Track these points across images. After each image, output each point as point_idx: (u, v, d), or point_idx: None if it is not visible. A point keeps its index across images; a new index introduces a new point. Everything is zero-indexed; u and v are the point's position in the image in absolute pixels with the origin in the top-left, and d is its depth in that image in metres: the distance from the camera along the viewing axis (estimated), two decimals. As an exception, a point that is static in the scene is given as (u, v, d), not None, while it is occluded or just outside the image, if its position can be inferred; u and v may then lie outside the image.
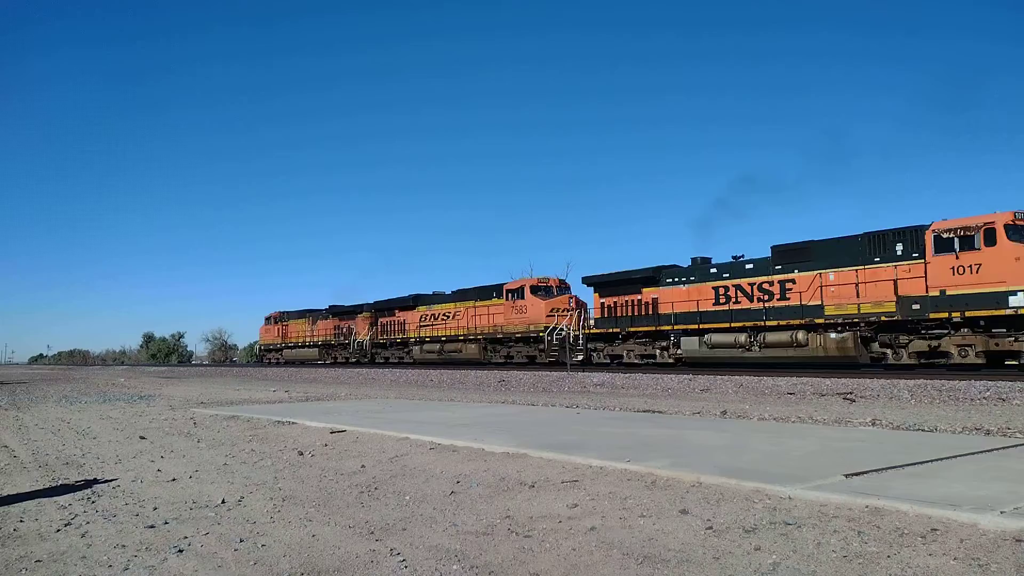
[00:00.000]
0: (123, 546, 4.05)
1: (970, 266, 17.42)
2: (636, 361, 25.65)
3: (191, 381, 28.50)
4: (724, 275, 23.31)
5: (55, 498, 5.38)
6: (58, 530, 4.43)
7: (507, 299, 31.42)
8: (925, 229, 18.54)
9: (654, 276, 25.37)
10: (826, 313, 20.18)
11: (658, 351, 24.95)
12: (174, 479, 6.06)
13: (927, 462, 5.60)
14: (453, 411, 11.56)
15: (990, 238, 17.21)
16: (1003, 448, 6.44)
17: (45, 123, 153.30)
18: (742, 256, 23.12)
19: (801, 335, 20.70)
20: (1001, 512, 3.90)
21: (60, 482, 6.04)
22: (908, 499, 4.23)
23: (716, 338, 22.80)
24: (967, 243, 17.59)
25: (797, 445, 6.77)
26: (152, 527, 4.44)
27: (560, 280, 31.56)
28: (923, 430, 8.21)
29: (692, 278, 24.26)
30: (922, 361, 18.55)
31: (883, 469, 5.31)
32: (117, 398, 17.50)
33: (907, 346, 18.89)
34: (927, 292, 18.09)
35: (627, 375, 21.46)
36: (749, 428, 8.42)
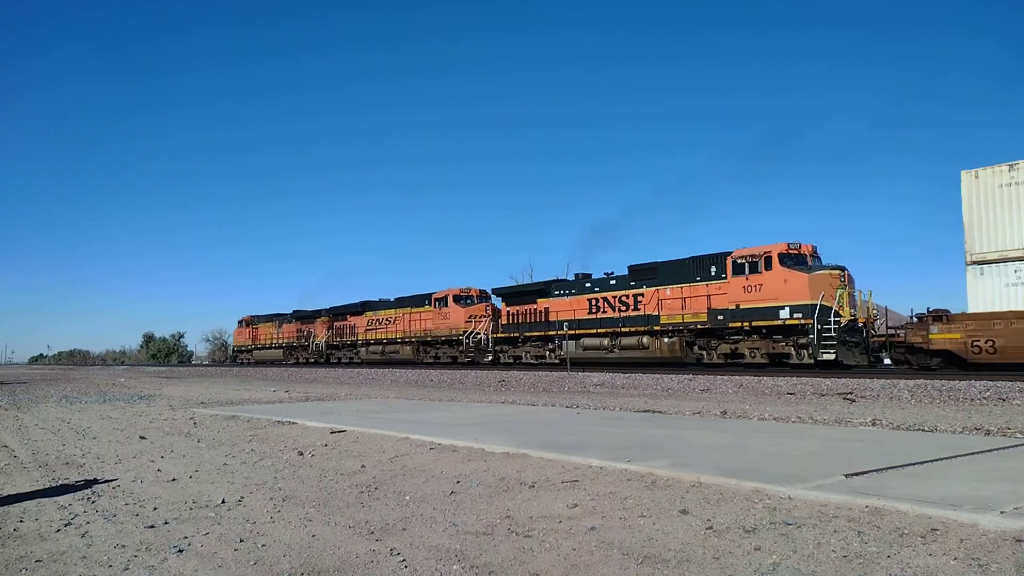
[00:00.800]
0: (123, 546, 4.05)
1: (755, 286, 22.09)
2: (532, 361, 30.60)
3: (191, 381, 28.50)
4: (595, 289, 28.08)
5: (55, 498, 5.38)
6: (58, 530, 4.43)
7: (435, 307, 36.71)
8: (728, 255, 23.19)
9: (546, 289, 30.42)
10: (661, 322, 24.99)
11: (547, 352, 29.79)
12: (174, 479, 6.06)
13: (927, 462, 5.60)
14: (453, 411, 11.56)
15: (768, 264, 21.92)
16: (1003, 448, 6.44)
17: (44, 123, 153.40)
18: (612, 273, 27.93)
19: (645, 339, 25.55)
20: (1001, 512, 3.90)
21: (60, 482, 6.04)
22: (908, 499, 4.23)
23: (587, 342, 27.69)
24: (753, 267, 22.33)
25: (797, 445, 6.78)
26: (152, 527, 4.44)
27: (480, 291, 36.02)
28: (923, 430, 8.21)
29: (573, 291, 29.05)
30: (728, 361, 23.21)
31: (883, 469, 5.31)
32: (117, 398, 17.50)
33: (716, 348, 23.51)
34: (728, 306, 22.79)
35: (627, 375, 21.49)
36: (749, 428, 8.42)
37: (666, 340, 24.89)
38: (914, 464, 5.53)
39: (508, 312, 32.02)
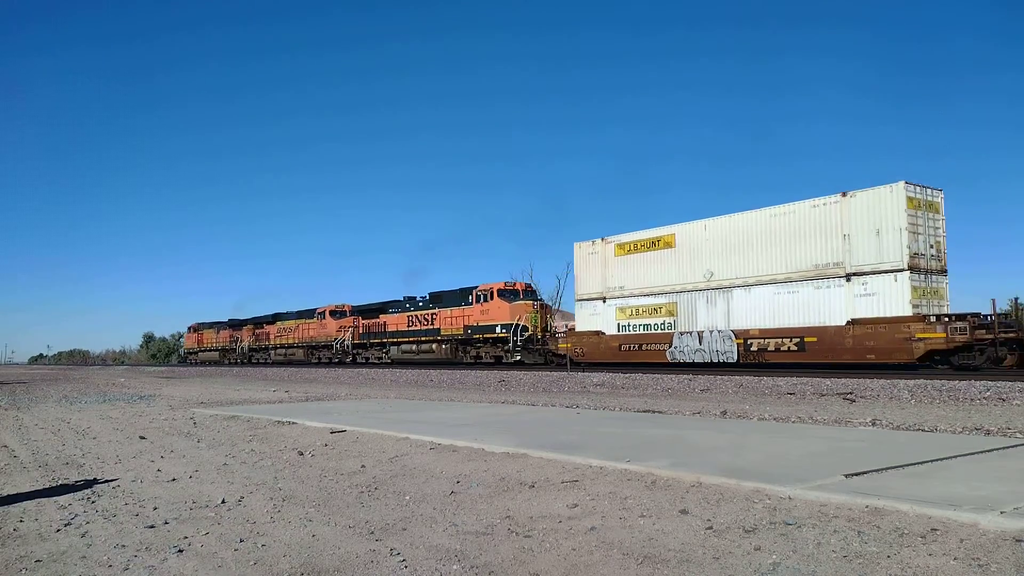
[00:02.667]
0: (123, 546, 4.05)
1: (486, 310, 33.44)
2: (376, 361, 41.63)
3: (191, 381, 28.50)
4: (411, 309, 39.42)
5: (55, 498, 5.38)
6: (58, 530, 4.43)
7: (318, 319, 47.40)
8: (475, 288, 34.37)
9: (384, 308, 41.91)
10: (442, 333, 36.37)
11: (383, 354, 41.12)
12: (174, 479, 6.06)
13: (927, 462, 5.60)
14: (453, 411, 11.56)
15: (491, 296, 33.18)
16: (1003, 448, 6.44)
17: (44, 122, 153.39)
18: (426, 296, 39.03)
19: (434, 346, 36.95)
20: (1001, 512, 3.90)
21: (60, 482, 6.04)
22: (908, 499, 4.23)
23: (404, 347, 38.98)
24: (486, 298, 33.59)
25: (797, 445, 6.77)
26: (152, 527, 4.44)
27: (351, 307, 45.73)
28: (923, 430, 8.21)
29: (399, 310, 40.43)
30: (475, 360, 34.23)
31: (883, 469, 5.31)
32: (117, 398, 17.50)
33: (468, 352, 34.98)
34: (474, 323, 34.06)
35: (627, 375, 21.50)
36: (749, 428, 8.42)
37: (444, 346, 36.13)
38: (914, 464, 5.53)
39: (363, 324, 43.10)
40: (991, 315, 19.13)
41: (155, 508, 4.97)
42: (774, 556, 3.45)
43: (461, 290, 35.56)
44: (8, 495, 5.54)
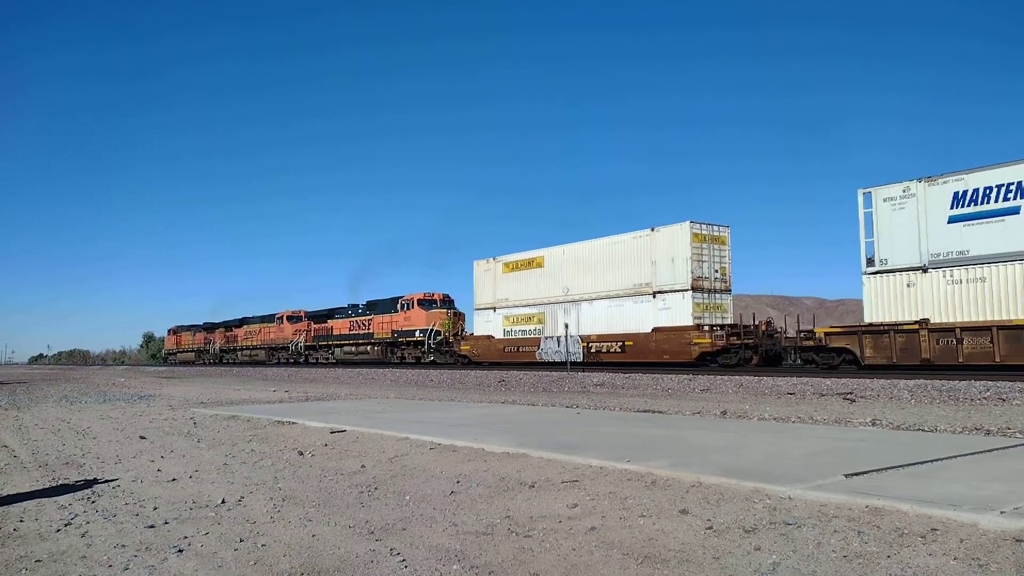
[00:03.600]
0: (123, 546, 4.04)
1: (408, 317, 39.08)
2: (323, 361, 46.86)
3: (191, 381, 28.49)
4: (351, 315, 44.93)
5: (55, 498, 5.38)
6: (58, 530, 4.43)
7: (276, 323, 52.83)
8: (401, 298, 39.79)
9: (331, 313, 47.47)
10: (375, 337, 41.75)
11: (330, 355, 46.29)
12: (174, 479, 6.06)
13: (927, 462, 5.60)
14: (453, 411, 11.56)
15: (413, 306, 38.85)
16: (1003, 448, 6.44)
17: (44, 121, 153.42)
18: (364, 303, 44.40)
19: (370, 348, 42.19)
20: (1001, 512, 3.90)
21: (60, 482, 6.04)
22: (908, 499, 4.23)
23: (347, 348, 44.35)
24: (408, 306, 39.30)
25: (797, 445, 6.77)
26: (152, 527, 4.44)
27: (306, 312, 51.12)
28: (923, 430, 8.21)
29: (343, 316, 45.84)
30: (402, 360, 39.13)
31: (883, 469, 5.31)
32: (117, 398, 17.49)
33: (395, 353, 39.97)
34: (400, 328, 39.44)
35: (627, 375, 21.52)
36: (749, 428, 8.42)
37: (377, 348, 41.52)
38: (914, 464, 5.53)
39: (314, 328, 48.87)
40: (742, 326, 24.95)
41: (155, 508, 4.97)
42: (774, 556, 3.45)
43: (391, 299, 41.33)
44: (8, 495, 5.54)
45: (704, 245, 25.43)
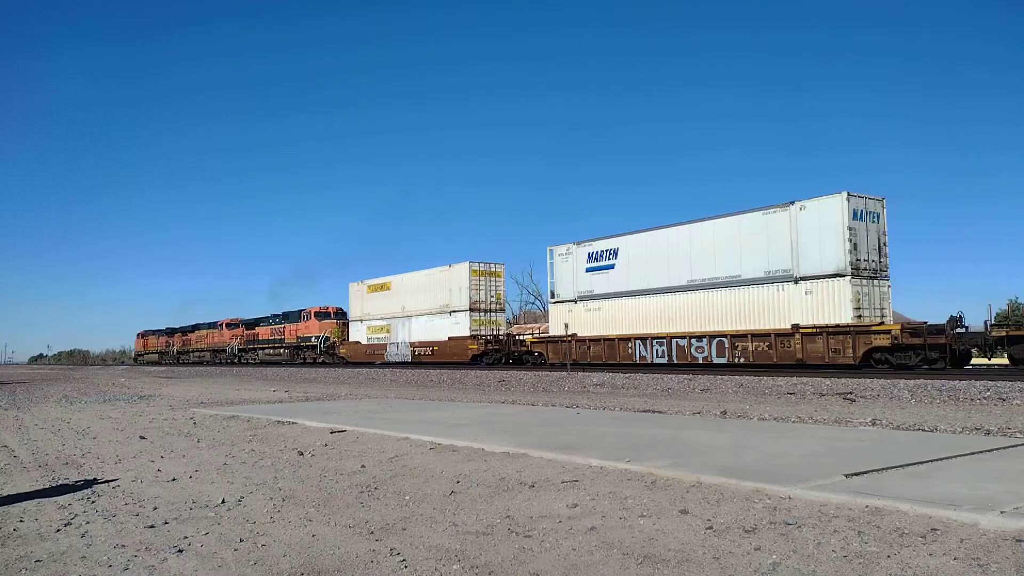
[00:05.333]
0: (123, 546, 4.04)
1: (308, 326, 48.48)
2: (250, 361, 55.01)
3: (191, 381, 28.49)
4: (272, 323, 53.87)
5: (55, 498, 5.38)
6: (58, 530, 4.43)
7: (218, 329, 62.75)
8: (305, 310, 49.16)
9: (258, 322, 56.73)
10: (285, 342, 50.82)
11: (255, 357, 54.90)
12: (174, 479, 6.06)
13: (927, 462, 5.60)
14: (453, 411, 11.56)
15: (310, 317, 48.29)
16: (1003, 448, 6.44)
17: (45, 120, 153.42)
18: (280, 313, 53.05)
19: (283, 351, 51.19)
20: (1001, 512, 3.90)
21: (60, 482, 6.04)
22: (908, 499, 4.23)
23: (267, 351, 53.56)
24: (308, 318, 48.65)
25: (797, 445, 6.77)
26: (152, 527, 4.44)
27: (241, 319, 60.46)
28: (923, 430, 8.21)
29: (267, 324, 54.70)
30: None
31: (883, 469, 5.31)
32: (117, 398, 17.49)
33: (300, 355, 48.81)
34: (303, 335, 48.48)
35: (627, 375, 21.51)
36: (749, 428, 8.42)
37: (287, 351, 50.62)
38: (914, 464, 5.52)
39: (246, 334, 57.71)
40: (504, 335, 35.25)
41: (155, 508, 4.97)
42: (774, 556, 3.45)
43: (297, 311, 50.70)
44: (8, 495, 5.54)
45: (481, 279, 35.66)
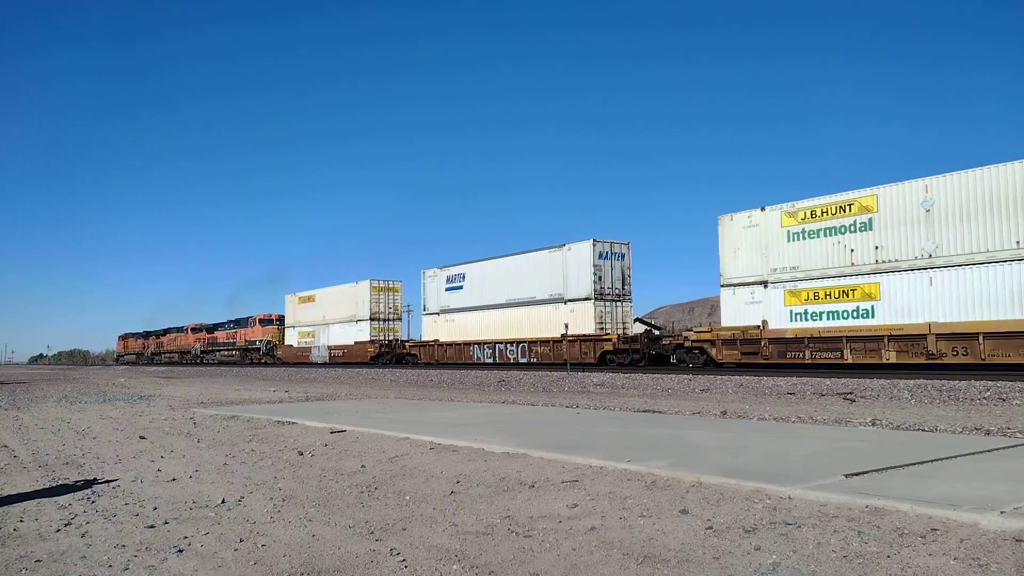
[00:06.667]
0: (123, 546, 4.04)
1: (256, 331, 56.85)
2: (210, 362, 61.56)
3: (191, 381, 28.49)
4: (226, 328, 61.45)
5: (55, 498, 5.38)
6: (58, 530, 4.43)
7: (184, 333, 70.29)
8: (252, 316, 58.18)
9: (217, 326, 63.95)
10: (237, 345, 59.02)
11: (213, 358, 61.93)
12: (174, 479, 6.06)
13: (927, 462, 5.60)
14: (453, 411, 11.56)
15: (256, 323, 57.29)
16: (1003, 448, 6.44)
17: (44, 121, 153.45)
18: (234, 319, 60.98)
19: (236, 353, 58.79)
20: (1001, 512, 3.90)
21: (60, 482, 6.04)
22: (908, 499, 4.23)
23: (223, 353, 60.58)
24: (254, 324, 57.42)
25: (797, 445, 6.77)
26: (152, 527, 4.44)
27: (204, 324, 67.16)
28: (923, 430, 8.21)
29: (222, 328, 62.36)
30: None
31: (883, 469, 5.31)
32: (117, 398, 17.49)
33: (248, 356, 57.09)
34: (252, 339, 57.37)
35: (627, 375, 21.52)
36: (749, 428, 8.42)
37: (238, 352, 58.44)
38: (914, 464, 5.52)
39: (207, 337, 65.21)
40: (393, 340, 43.04)
41: (155, 508, 4.97)
42: (774, 556, 3.45)
43: (247, 318, 58.63)
44: (8, 495, 5.54)
45: (380, 294, 43.69)
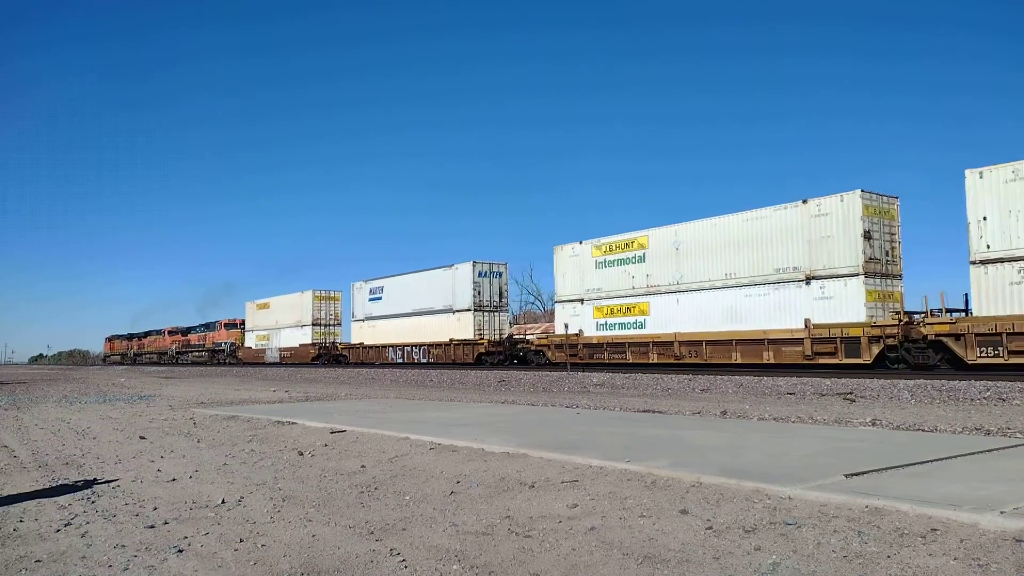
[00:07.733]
0: (123, 546, 4.04)
1: (222, 334, 61.94)
2: (184, 362, 65.22)
3: (191, 381, 28.49)
4: (199, 331, 66.53)
5: (55, 498, 5.37)
6: (58, 530, 4.43)
7: (162, 335, 73.70)
8: (219, 321, 63.97)
9: (190, 329, 68.51)
10: (206, 347, 63.82)
11: (187, 358, 65.74)
12: (174, 479, 6.06)
13: (927, 462, 5.60)
14: (453, 411, 11.56)
15: (222, 327, 62.43)
16: (1003, 448, 6.44)
17: (44, 120, 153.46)
18: (204, 323, 67.31)
19: (205, 354, 63.02)
20: (1001, 512, 3.90)
21: (60, 482, 6.04)
22: (908, 499, 4.23)
23: (195, 354, 64.67)
24: (220, 327, 62.54)
25: (797, 445, 6.77)
26: (152, 527, 4.44)
27: (180, 327, 71.00)
28: (923, 430, 8.21)
29: (194, 331, 67.11)
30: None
31: (883, 469, 5.31)
32: (117, 398, 17.49)
33: (215, 356, 61.24)
34: (219, 341, 62.08)
35: (627, 375, 21.53)
36: (749, 428, 8.42)
37: (207, 354, 61.81)
38: (914, 464, 5.52)
39: (181, 339, 69.24)
40: (333, 343, 47.96)
41: (155, 508, 4.97)
42: (774, 556, 3.45)
43: (215, 322, 63.67)
44: (8, 495, 5.54)
45: (322, 302, 49.57)
